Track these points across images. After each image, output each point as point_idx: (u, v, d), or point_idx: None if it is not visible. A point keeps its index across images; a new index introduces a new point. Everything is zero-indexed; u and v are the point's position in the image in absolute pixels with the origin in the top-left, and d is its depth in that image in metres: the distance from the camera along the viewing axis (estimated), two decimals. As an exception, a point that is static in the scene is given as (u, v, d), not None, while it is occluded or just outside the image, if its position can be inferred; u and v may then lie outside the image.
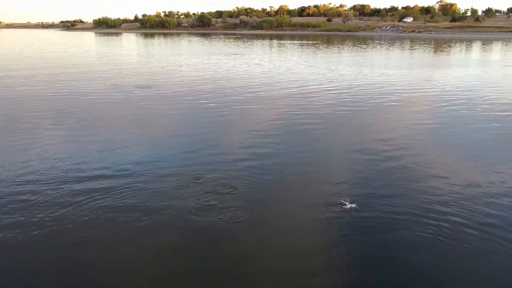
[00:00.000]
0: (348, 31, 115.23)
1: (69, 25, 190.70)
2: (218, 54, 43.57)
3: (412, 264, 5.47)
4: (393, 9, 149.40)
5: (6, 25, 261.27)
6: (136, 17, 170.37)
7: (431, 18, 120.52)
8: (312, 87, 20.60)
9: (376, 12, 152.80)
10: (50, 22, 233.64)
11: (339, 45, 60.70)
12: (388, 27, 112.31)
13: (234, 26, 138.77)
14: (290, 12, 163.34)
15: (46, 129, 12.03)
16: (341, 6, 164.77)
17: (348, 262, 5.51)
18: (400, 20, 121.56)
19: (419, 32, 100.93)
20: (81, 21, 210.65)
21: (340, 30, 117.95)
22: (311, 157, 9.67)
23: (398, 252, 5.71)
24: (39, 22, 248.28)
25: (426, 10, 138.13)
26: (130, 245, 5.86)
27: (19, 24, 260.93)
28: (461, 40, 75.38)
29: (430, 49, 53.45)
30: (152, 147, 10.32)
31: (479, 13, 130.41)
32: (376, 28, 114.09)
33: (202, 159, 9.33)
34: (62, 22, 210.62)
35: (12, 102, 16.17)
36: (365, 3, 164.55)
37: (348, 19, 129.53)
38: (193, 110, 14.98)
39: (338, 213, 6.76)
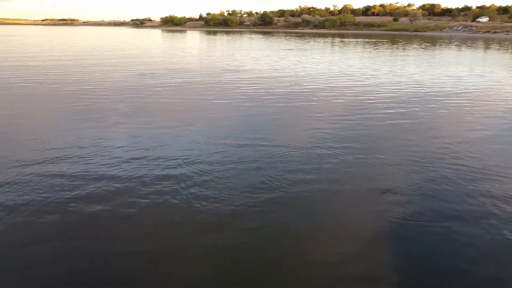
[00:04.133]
0: (415, 31, 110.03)
1: (139, 23, 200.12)
2: (277, 49, 43.31)
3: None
4: (466, 8, 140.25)
5: (83, 22, 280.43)
6: (200, 16, 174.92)
7: (510, 18, 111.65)
8: (372, 84, 19.70)
9: (447, 12, 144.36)
10: (121, 20, 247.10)
11: (404, 45, 57.91)
12: (459, 27, 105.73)
13: (296, 25, 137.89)
14: (354, 12, 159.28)
15: (118, 117, 12.44)
16: (409, 5, 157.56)
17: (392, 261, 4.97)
18: (474, 20, 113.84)
19: (494, 32, 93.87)
20: (150, 20, 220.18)
21: (406, 30, 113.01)
22: (366, 158, 9.07)
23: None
24: (111, 20, 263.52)
25: (504, 10, 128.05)
26: (171, 237, 5.51)
27: (94, 21, 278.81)
28: (543, 42, 69.00)
29: (508, 50, 49.38)
30: (205, 136, 10.26)
31: None
32: (446, 28, 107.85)
33: (255, 152, 9.09)
34: (132, 20, 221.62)
35: (87, 90, 16.99)
36: (435, 3, 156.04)
37: (416, 19, 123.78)
38: (252, 101, 14.81)
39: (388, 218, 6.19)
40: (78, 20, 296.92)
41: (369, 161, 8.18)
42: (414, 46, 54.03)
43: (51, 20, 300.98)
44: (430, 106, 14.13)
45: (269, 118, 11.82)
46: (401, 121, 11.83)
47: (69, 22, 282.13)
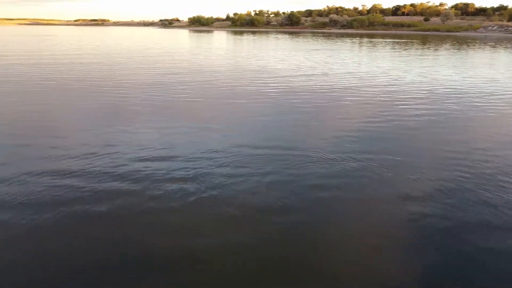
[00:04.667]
0: (448, 31, 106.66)
1: (167, 23, 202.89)
2: (303, 50, 42.57)
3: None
4: (501, 8, 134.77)
5: (113, 23, 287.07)
6: (227, 16, 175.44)
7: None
8: (403, 86, 18.80)
9: (482, 11, 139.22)
10: (150, 21, 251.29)
11: (436, 45, 55.96)
12: (495, 27, 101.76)
13: (323, 25, 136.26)
14: (383, 11, 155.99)
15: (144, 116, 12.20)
16: (441, 4, 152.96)
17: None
18: (510, 19, 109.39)
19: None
20: (178, 20, 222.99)
21: (438, 30, 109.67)
22: (395, 166, 8.40)
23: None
24: (141, 21, 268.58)
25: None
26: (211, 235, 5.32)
27: (124, 22, 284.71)
28: None
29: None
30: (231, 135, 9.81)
31: None
32: (481, 28, 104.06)
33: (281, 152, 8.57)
34: (161, 20, 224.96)
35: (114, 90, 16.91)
36: (468, 2, 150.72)
37: (448, 19, 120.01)
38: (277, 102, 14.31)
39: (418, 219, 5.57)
40: (108, 20, 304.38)
41: (398, 169, 7.52)
42: (446, 46, 52.16)
43: (83, 20, 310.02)
44: (464, 110, 13.23)
45: (292, 121, 11.27)
46: (433, 126, 11.03)
47: (100, 22, 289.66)
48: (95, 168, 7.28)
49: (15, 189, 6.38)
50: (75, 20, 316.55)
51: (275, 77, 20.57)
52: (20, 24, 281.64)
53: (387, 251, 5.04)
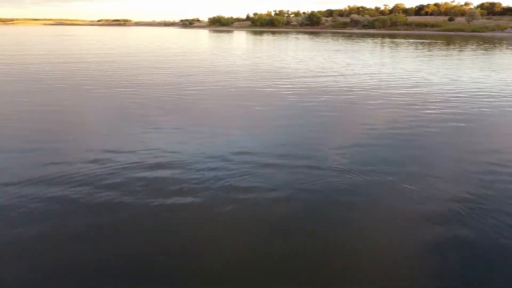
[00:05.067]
0: (473, 31, 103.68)
1: (188, 24, 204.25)
2: (324, 50, 41.69)
3: None
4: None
5: (135, 23, 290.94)
6: (248, 16, 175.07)
7: None
8: (429, 90, 17.86)
9: (509, 11, 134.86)
10: (171, 21, 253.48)
11: (462, 46, 54.12)
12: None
13: (344, 25, 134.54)
14: (406, 11, 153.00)
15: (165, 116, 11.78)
16: (466, 4, 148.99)
17: None
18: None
19: None
20: (198, 20, 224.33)
21: (463, 30, 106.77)
22: (423, 173, 7.66)
23: None
24: (162, 21, 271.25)
25: None
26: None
27: (145, 22, 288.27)
28: None
29: None
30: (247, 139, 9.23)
31: None
32: (508, 29, 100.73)
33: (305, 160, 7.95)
34: (181, 20, 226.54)
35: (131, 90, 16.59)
36: (495, 1, 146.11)
37: (473, 18, 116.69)
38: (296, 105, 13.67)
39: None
40: (130, 20, 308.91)
41: (425, 183, 6.78)
42: (472, 47, 50.34)
43: (106, 20, 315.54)
44: (495, 115, 12.30)
45: (310, 126, 10.60)
46: (463, 134, 10.19)
47: (122, 22, 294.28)
48: (97, 176, 6.84)
49: (11, 197, 6.01)
50: (98, 20, 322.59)
51: (294, 78, 19.89)
52: (45, 24, 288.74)
53: (411, 277, 4.45)
